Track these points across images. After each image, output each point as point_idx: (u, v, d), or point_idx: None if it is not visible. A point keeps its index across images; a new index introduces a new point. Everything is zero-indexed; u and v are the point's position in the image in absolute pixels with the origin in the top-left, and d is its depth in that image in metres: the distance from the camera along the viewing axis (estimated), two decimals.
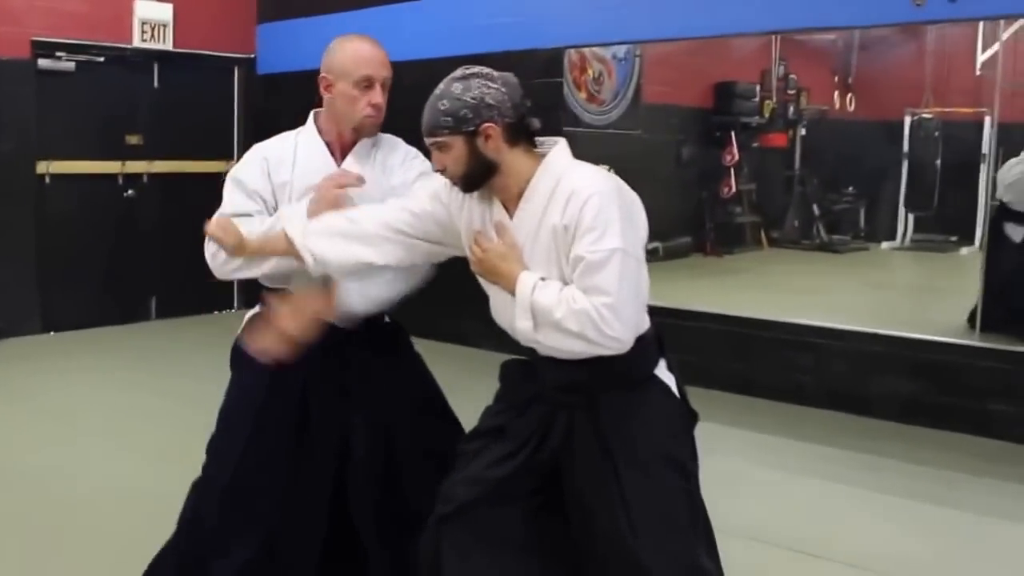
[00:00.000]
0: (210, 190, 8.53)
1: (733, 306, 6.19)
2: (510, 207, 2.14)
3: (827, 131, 12.17)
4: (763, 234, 11.68)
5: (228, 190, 2.65)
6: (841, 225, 12.36)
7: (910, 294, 8.52)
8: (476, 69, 2.11)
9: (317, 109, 2.66)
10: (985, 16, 4.97)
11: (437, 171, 2.18)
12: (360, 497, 2.56)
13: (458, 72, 2.13)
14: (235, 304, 8.23)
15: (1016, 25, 8.90)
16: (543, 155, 2.13)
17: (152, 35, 7.43)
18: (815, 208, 12.28)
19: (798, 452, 4.89)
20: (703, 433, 2.27)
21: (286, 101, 8.03)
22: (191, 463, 2.70)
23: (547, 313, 2.00)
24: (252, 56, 8.07)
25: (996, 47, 9.60)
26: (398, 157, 2.63)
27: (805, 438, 5.09)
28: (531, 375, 2.21)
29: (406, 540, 2.46)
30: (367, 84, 2.51)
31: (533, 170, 2.11)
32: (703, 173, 10.92)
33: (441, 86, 2.11)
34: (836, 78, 12.22)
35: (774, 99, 11.42)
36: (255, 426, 2.57)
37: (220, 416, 2.67)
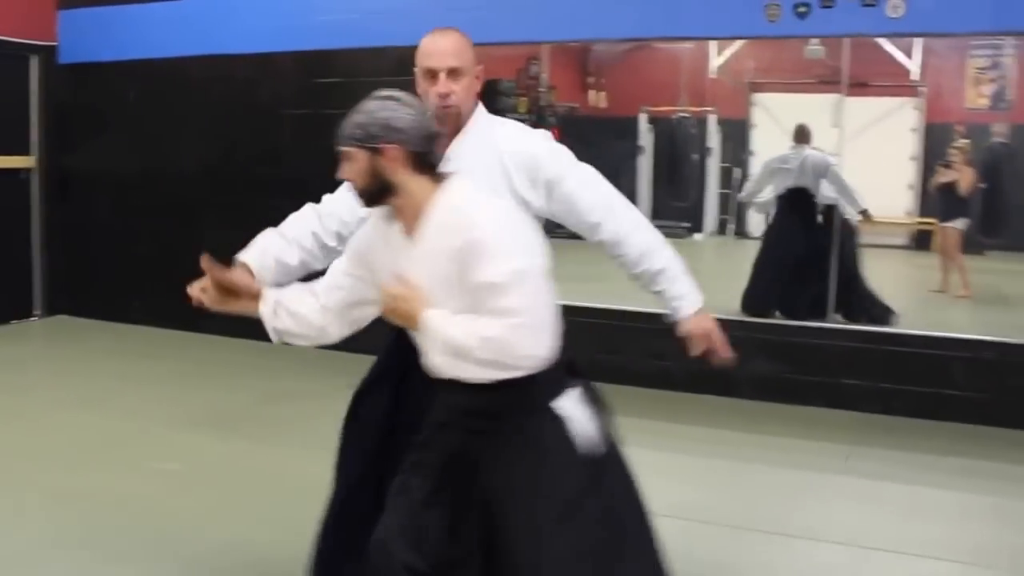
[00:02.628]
0: (5, 188, 7.44)
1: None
2: (411, 232, 2.10)
3: (577, 127, 12.46)
4: None
5: None
6: None
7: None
8: (398, 93, 2.08)
9: None
10: (830, 34, 5.20)
11: (343, 179, 2.15)
12: None
13: (381, 91, 2.09)
14: (36, 311, 7.09)
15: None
16: (443, 183, 2.09)
17: None
18: None
19: (672, 433, 5.01)
20: None
21: (94, 94, 7.01)
22: None
23: (461, 348, 1.96)
24: (53, 44, 6.92)
25: (728, 54, 10.23)
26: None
27: (676, 420, 5.15)
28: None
29: None
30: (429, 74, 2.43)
31: (431, 196, 2.07)
32: None
33: (364, 100, 2.09)
34: (591, 78, 12.55)
35: (550, 96, 11.54)
36: None
37: None
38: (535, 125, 13.54)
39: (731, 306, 7.01)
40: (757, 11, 5.18)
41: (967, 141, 8.32)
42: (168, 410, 5.13)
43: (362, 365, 2.68)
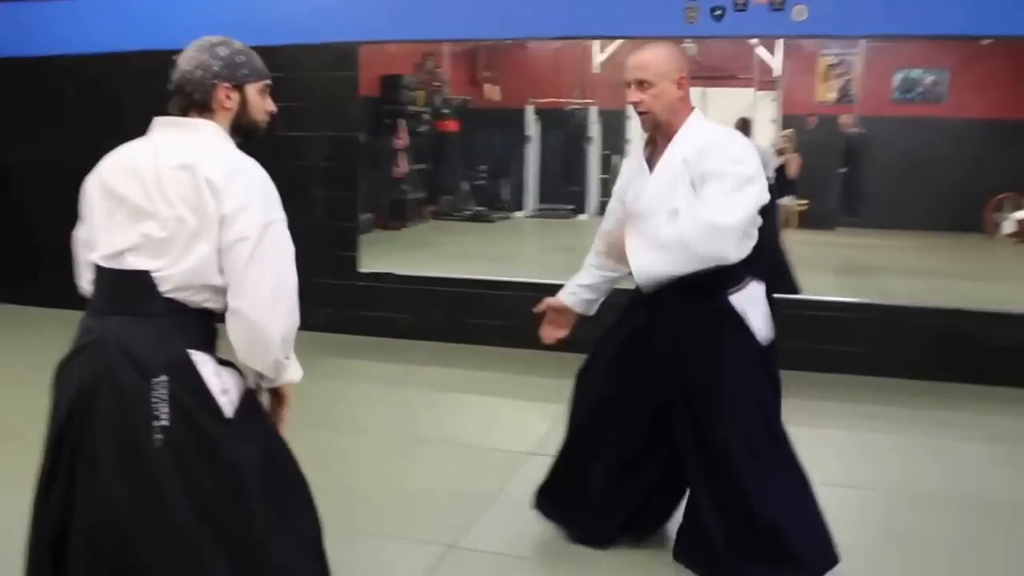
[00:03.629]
0: None
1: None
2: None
3: (471, 119, 12.73)
4: (426, 208, 12.02)
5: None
6: (484, 198, 12.99)
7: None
8: None
9: None
10: (743, 35, 5.59)
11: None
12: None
13: None
14: None
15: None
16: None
17: None
18: (466, 185, 12.76)
19: None
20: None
21: (29, 88, 6.80)
22: None
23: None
24: None
25: (610, 51, 10.66)
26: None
27: None
28: None
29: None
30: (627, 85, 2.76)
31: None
32: (377, 156, 10.98)
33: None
34: (486, 73, 12.77)
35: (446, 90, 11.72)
36: None
37: None
38: (433, 117, 13.78)
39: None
40: (677, 13, 5.53)
41: (792, 130, 9.01)
42: None
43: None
